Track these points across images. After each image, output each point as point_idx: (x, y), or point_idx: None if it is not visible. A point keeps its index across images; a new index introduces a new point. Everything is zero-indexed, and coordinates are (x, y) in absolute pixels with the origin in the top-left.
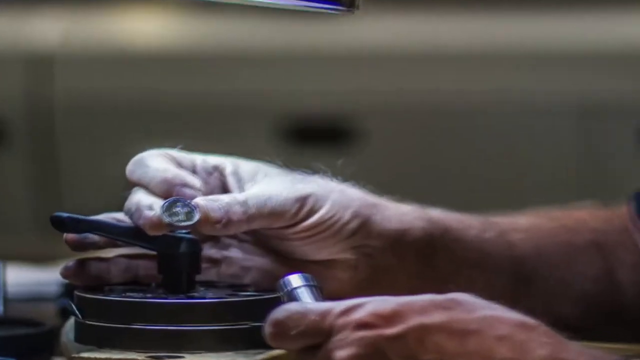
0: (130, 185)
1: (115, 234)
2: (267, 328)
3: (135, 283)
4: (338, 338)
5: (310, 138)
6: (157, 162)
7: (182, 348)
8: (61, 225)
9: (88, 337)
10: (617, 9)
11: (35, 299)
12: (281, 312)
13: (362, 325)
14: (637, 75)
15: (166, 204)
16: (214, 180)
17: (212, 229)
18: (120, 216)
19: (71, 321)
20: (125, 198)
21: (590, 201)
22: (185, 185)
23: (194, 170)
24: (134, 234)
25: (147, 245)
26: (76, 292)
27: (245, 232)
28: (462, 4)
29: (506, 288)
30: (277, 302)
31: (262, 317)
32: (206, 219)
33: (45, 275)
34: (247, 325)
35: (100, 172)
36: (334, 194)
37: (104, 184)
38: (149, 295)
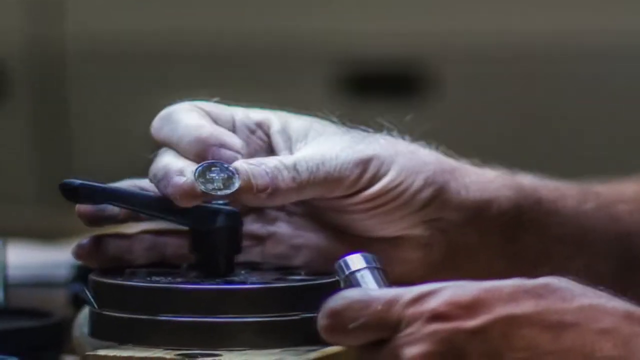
0: (157, 145)
1: (139, 205)
2: (322, 320)
3: (162, 265)
4: (407, 332)
5: (373, 87)
6: (188, 118)
7: (219, 344)
8: (73, 194)
9: (106, 331)
10: None
11: (41, 284)
12: (338, 300)
13: (436, 316)
14: None
15: (200, 168)
16: (257, 139)
17: (256, 199)
18: (144, 183)
19: (85, 311)
20: (150, 161)
21: None
22: (223, 145)
23: (233, 127)
24: (160, 205)
25: (177, 218)
26: (91, 276)
27: (295, 203)
28: None
29: (610, 271)
30: (333, 288)
31: (315, 306)
32: (248, 187)
33: (53, 256)
34: (297, 317)
35: (119, 129)
36: (402, 157)
37: (124, 144)
38: (179, 279)
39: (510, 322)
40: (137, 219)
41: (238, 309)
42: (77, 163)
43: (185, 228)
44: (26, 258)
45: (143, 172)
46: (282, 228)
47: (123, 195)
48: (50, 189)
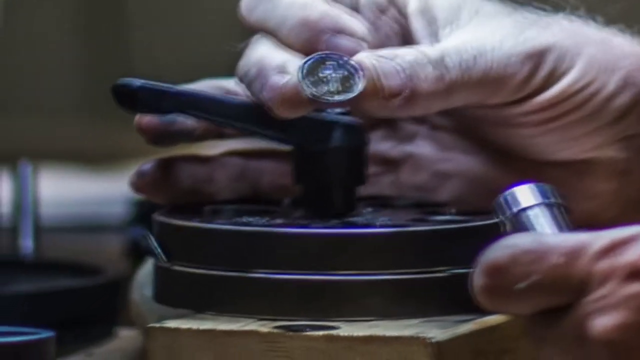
0: (248, 31)
1: (222, 115)
2: (478, 278)
3: (255, 200)
4: (597, 295)
5: None
6: None
7: (334, 312)
8: (131, 99)
9: (177, 294)
10: None
11: (87, 227)
12: (501, 250)
13: (638, 273)
14: None
15: (308, 64)
16: (388, 22)
17: (387, 107)
18: (229, 85)
19: (148, 266)
20: (238, 54)
21: None
22: (341, 30)
23: (355, 6)
24: (253, 115)
25: (276, 134)
26: (156, 217)
27: (441, 114)
28: None
29: None
30: (494, 234)
31: (468, 259)
32: (376, 90)
33: (103, 187)
34: (442, 274)
35: (192, 9)
36: (590, 47)
37: (200, 31)
38: (278, 221)
39: None
40: (219, 136)
41: (361, 263)
42: (136, 57)
43: (287, 148)
44: (66, 190)
45: (228, 69)
46: (422, 148)
47: (200, 101)
48: (99, 94)
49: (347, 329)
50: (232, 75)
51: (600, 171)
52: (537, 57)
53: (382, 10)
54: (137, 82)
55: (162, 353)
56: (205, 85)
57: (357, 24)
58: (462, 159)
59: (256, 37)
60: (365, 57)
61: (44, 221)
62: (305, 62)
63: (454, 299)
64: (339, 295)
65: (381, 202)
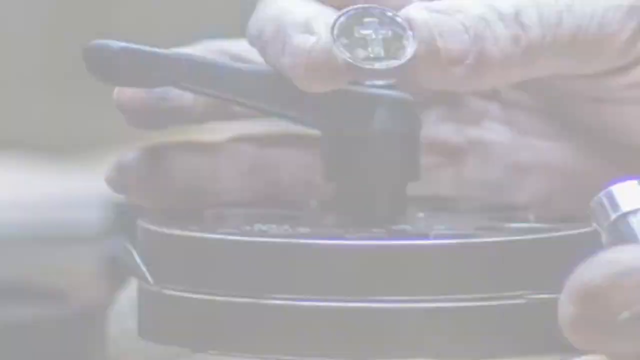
0: None
1: (229, 89)
2: (567, 306)
3: (272, 202)
4: None
5: None
6: None
7: (377, 351)
8: (109, 66)
9: (168, 328)
10: None
11: (49, 238)
12: (597, 269)
13: None
14: None
15: (342, 20)
16: None
17: (446, 77)
18: (238, 48)
19: (131, 291)
20: (250, 6)
21: None
22: None
23: None
24: (269, 88)
25: (300, 114)
26: (142, 224)
27: (517, 87)
28: None
29: None
30: (588, 246)
31: (554, 280)
32: (431, 55)
33: (71, 184)
34: (519, 300)
35: None
36: None
37: None
38: (303, 230)
39: None
40: (226, 116)
41: (412, 286)
42: (116, 13)
43: (315, 133)
44: (22, 189)
45: (236, 28)
46: (493, 133)
47: (200, 69)
48: (66, 60)
49: None
50: (241, 35)
51: None
52: None
53: None
54: (117, 44)
55: None
56: (206, 49)
57: None
58: (546, 147)
59: None
60: (416, 12)
61: None
62: (338, 18)
63: (535, 334)
64: (383, 329)
65: (439, 205)
